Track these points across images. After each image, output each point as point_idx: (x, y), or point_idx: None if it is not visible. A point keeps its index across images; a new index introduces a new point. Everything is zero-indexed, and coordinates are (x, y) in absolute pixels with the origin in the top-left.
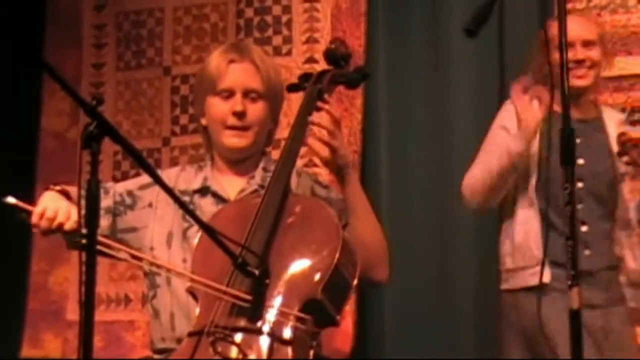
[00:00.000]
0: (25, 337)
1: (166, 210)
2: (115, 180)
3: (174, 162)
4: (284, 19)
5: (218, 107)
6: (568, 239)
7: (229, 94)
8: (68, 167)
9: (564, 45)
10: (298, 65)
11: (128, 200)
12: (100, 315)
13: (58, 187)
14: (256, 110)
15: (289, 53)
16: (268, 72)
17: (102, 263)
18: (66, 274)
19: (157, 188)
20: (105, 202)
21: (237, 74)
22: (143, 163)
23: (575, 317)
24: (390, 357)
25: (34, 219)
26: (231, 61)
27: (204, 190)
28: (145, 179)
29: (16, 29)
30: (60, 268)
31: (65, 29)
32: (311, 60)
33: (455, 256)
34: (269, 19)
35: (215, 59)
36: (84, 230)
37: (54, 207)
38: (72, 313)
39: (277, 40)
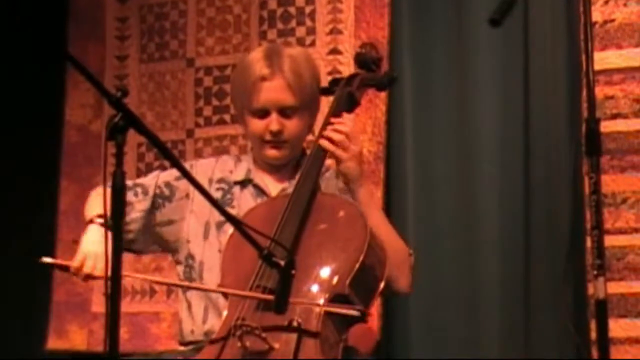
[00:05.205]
0: (51, 329)
1: (203, 200)
2: (139, 172)
3: (198, 154)
4: (307, 10)
5: (255, 125)
6: (594, 228)
7: (265, 113)
8: (92, 160)
9: (590, 46)
10: (322, 56)
11: (166, 192)
12: (126, 306)
13: (100, 220)
14: (293, 125)
15: (312, 44)
16: (300, 84)
17: (126, 255)
18: None
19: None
20: (145, 202)
21: (270, 94)
22: (168, 154)
23: (601, 307)
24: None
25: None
26: (263, 79)
27: (246, 182)
28: None
29: (39, 22)
30: None
31: (88, 21)
32: (335, 51)
33: (480, 255)
34: (292, 10)
35: (248, 73)
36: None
37: (92, 256)
38: (98, 305)
39: (300, 31)
